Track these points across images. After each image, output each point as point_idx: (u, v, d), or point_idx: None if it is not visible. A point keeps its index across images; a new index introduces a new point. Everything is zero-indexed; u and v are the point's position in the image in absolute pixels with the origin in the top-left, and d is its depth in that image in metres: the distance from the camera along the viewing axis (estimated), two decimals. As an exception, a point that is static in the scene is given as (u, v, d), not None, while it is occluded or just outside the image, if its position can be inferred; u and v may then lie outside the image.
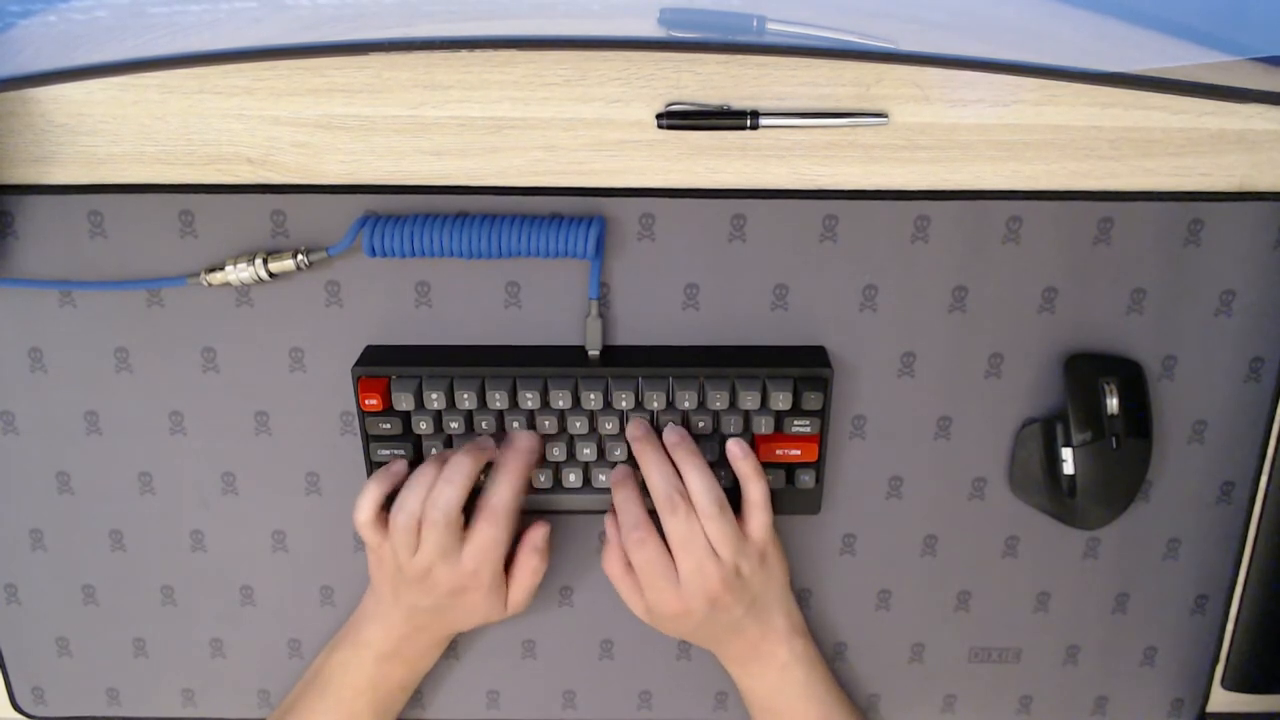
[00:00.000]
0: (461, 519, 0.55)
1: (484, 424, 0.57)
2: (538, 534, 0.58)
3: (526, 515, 0.59)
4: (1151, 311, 0.58)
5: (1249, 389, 0.59)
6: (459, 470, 0.54)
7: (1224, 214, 0.56)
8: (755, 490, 0.56)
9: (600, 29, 0.49)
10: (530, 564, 0.58)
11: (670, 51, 0.52)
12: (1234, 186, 0.56)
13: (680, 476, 0.55)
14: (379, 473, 0.57)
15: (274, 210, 0.55)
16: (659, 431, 0.57)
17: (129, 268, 0.57)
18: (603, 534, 0.62)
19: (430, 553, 0.54)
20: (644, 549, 0.55)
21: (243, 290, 0.57)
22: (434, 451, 0.58)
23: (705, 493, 0.54)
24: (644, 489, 0.57)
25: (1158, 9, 0.46)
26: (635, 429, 0.57)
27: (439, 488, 0.54)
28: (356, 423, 0.59)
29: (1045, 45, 0.49)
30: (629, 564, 0.57)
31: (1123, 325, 0.58)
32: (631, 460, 0.58)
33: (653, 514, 0.56)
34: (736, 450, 0.57)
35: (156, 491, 0.61)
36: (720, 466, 0.58)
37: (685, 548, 0.54)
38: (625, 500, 0.56)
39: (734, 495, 0.57)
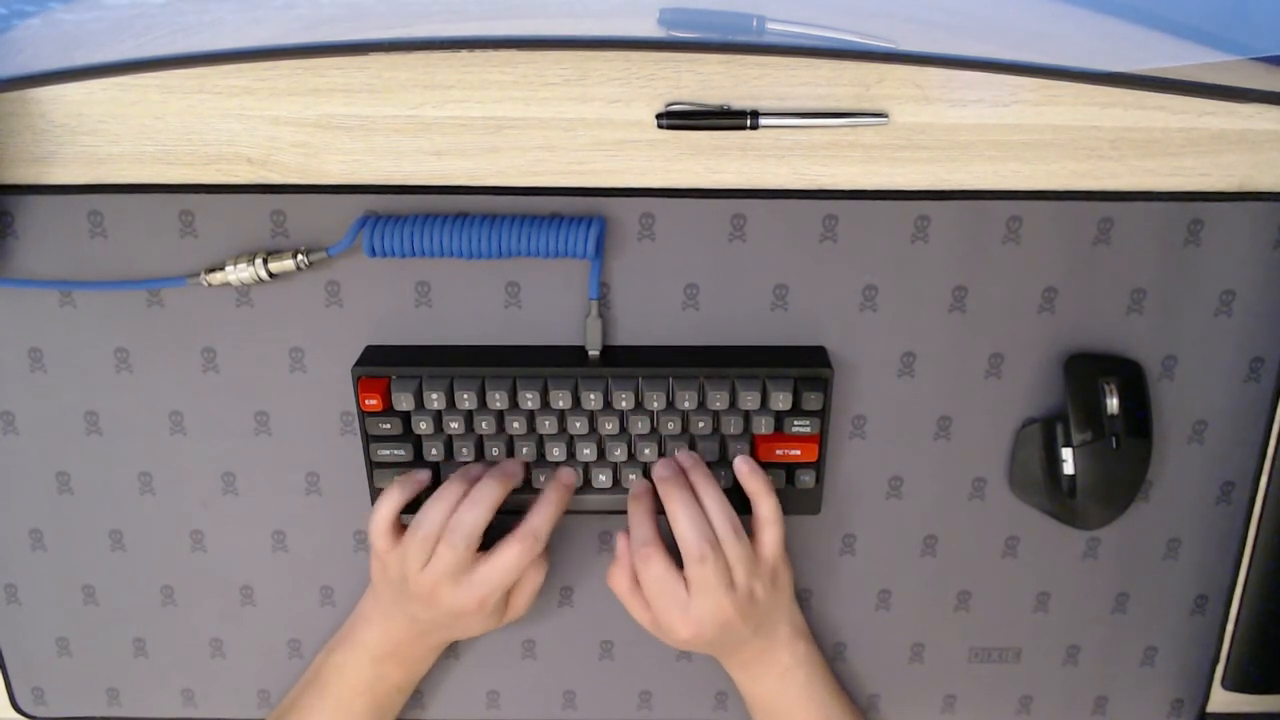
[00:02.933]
0: (478, 545, 0.54)
1: (484, 424, 0.57)
2: None
3: (515, 515, 0.59)
4: (1151, 311, 0.58)
5: (1249, 389, 0.59)
6: (487, 494, 0.54)
7: (1224, 214, 0.56)
8: (766, 507, 0.56)
9: (600, 29, 0.49)
10: (532, 570, 0.58)
11: (670, 51, 0.52)
12: (1234, 186, 0.56)
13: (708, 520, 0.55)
14: (400, 480, 0.57)
15: (274, 210, 0.55)
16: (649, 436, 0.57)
17: (129, 268, 0.57)
18: (604, 534, 0.62)
19: (439, 572, 0.54)
20: (650, 567, 0.55)
21: (243, 290, 0.57)
22: (434, 452, 0.58)
23: (724, 520, 0.54)
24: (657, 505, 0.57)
25: (1158, 9, 0.46)
26: (661, 469, 0.57)
27: (465, 509, 0.54)
28: (356, 423, 0.59)
29: (1045, 45, 0.49)
30: (636, 581, 0.57)
31: (1123, 325, 0.58)
32: (632, 461, 0.58)
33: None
34: (744, 468, 0.57)
35: (156, 491, 0.61)
36: (718, 466, 0.58)
37: (704, 592, 0.54)
38: (638, 514, 0.56)
39: (732, 496, 0.57)
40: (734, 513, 0.55)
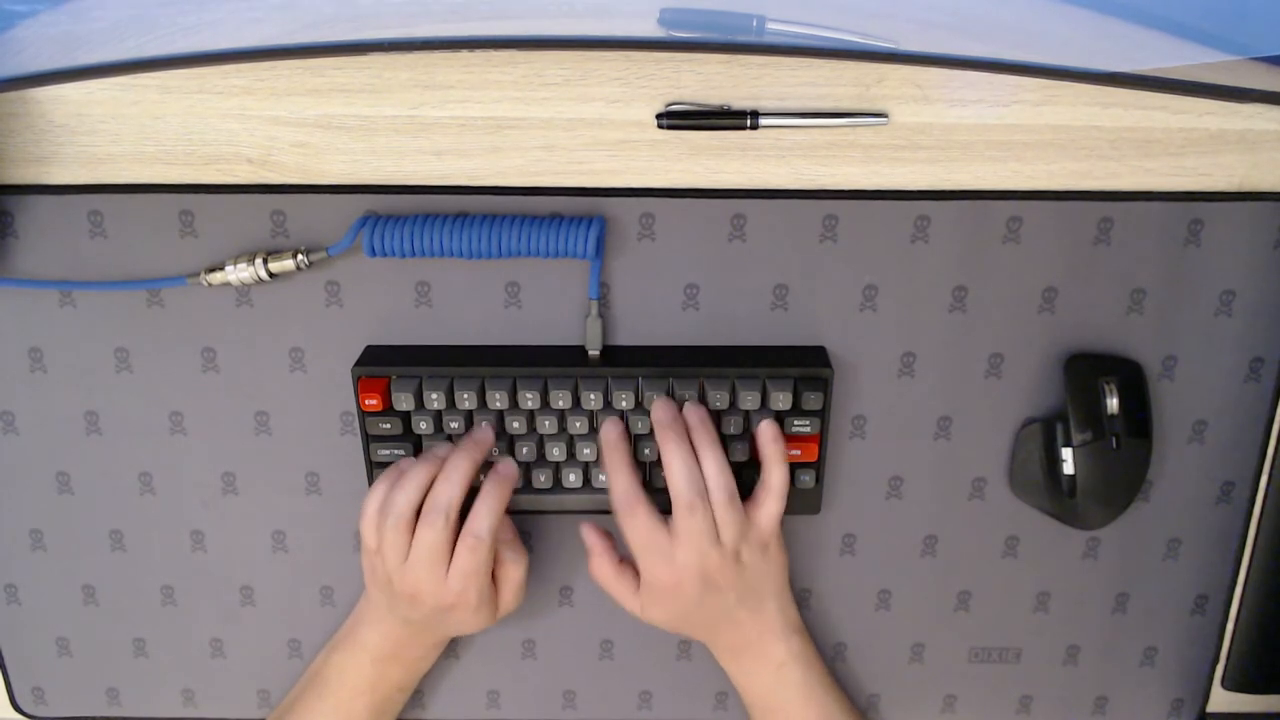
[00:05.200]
0: (459, 522, 0.54)
1: (484, 424, 0.57)
2: (504, 530, 0.57)
3: (516, 514, 0.59)
4: (1151, 311, 0.58)
5: (1249, 389, 0.59)
6: (457, 469, 0.54)
7: (1224, 214, 0.56)
8: (776, 476, 0.55)
9: (600, 29, 0.49)
10: (509, 562, 0.57)
11: (670, 51, 0.52)
12: (1234, 186, 0.56)
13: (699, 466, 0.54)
14: (388, 471, 0.57)
15: (274, 210, 0.55)
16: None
17: (129, 268, 0.57)
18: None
19: (422, 557, 0.54)
20: (635, 517, 0.54)
21: (243, 290, 0.57)
22: (412, 458, 0.58)
23: (720, 484, 0.54)
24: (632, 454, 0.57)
25: (1158, 8, 0.46)
26: (662, 412, 0.55)
27: (438, 486, 0.54)
28: (356, 423, 0.59)
29: (1045, 45, 0.49)
30: (617, 567, 0.57)
31: (1123, 325, 0.58)
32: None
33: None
34: (770, 432, 0.56)
35: (156, 491, 0.61)
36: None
37: (690, 541, 0.54)
38: (617, 465, 0.55)
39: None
40: (733, 478, 0.54)
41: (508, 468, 0.57)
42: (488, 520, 0.54)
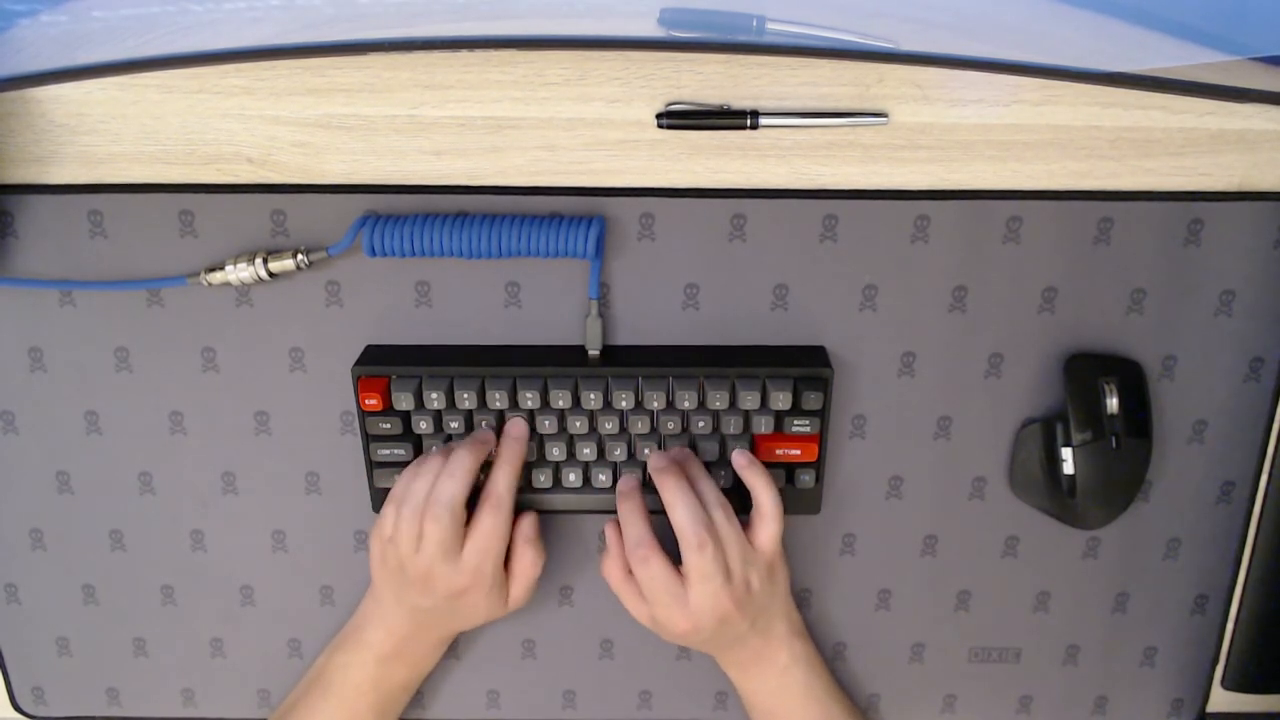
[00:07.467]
0: (464, 515, 0.54)
1: (484, 424, 0.57)
2: (527, 525, 0.58)
3: (519, 511, 0.59)
4: (1151, 311, 0.58)
5: (1249, 389, 0.59)
6: (460, 465, 0.54)
7: (1224, 214, 0.56)
8: (767, 501, 0.56)
9: (600, 29, 0.49)
10: (527, 556, 0.58)
11: (670, 51, 0.52)
12: (1234, 186, 0.56)
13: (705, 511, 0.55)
14: (418, 460, 0.57)
15: (274, 210, 0.55)
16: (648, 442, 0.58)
17: (129, 268, 0.57)
18: (603, 534, 0.62)
19: (431, 550, 0.54)
20: (648, 567, 0.55)
21: (243, 290, 0.57)
22: (435, 449, 0.58)
23: (716, 508, 0.55)
24: (647, 500, 0.57)
25: (1158, 9, 0.46)
26: (657, 460, 0.57)
27: (441, 482, 0.54)
28: (356, 423, 0.59)
29: (1045, 45, 0.49)
30: (629, 571, 0.57)
31: (1123, 325, 0.58)
32: (632, 461, 0.58)
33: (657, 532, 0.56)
34: (742, 460, 0.57)
35: (156, 491, 0.61)
36: (719, 466, 0.58)
37: (703, 581, 0.54)
38: (630, 514, 0.56)
39: (731, 496, 0.57)
40: (728, 502, 0.55)
41: (518, 428, 0.57)
42: (506, 480, 0.55)
